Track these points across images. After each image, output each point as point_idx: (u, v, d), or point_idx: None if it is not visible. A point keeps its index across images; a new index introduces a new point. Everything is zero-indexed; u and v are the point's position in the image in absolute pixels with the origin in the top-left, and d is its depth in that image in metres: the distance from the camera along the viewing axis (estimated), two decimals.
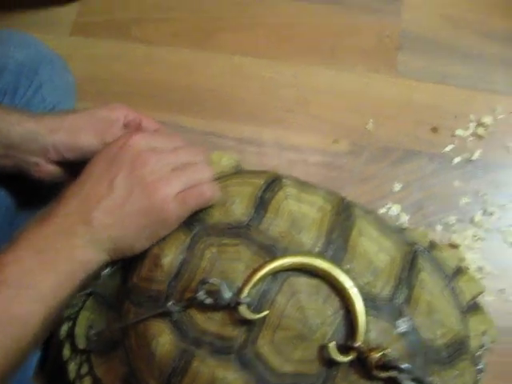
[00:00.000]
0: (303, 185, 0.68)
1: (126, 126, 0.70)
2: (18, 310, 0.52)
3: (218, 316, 0.60)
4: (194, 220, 0.64)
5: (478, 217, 0.90)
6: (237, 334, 0.59)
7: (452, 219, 0.90)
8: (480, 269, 0.87)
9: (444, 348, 0.63)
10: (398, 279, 0.64)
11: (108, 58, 1.03)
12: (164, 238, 0.63)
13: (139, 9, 1.08)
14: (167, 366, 0.61)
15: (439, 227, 0.90)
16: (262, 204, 0.64)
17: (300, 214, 0.64)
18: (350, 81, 1.00)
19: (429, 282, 0.65)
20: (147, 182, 0.58)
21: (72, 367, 0.70)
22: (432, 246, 0.71)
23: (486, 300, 0.85)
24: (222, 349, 0.59)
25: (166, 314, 0.61)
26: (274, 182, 0.67)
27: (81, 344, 0.68)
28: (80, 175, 0.60)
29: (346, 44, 1.04)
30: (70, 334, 0.70)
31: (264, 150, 0.95)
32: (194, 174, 0.62)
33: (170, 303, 0.60)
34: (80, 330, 0.69)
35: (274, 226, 0.63)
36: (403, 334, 0.61)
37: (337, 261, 0.62)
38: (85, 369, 0.69)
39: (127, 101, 0.73)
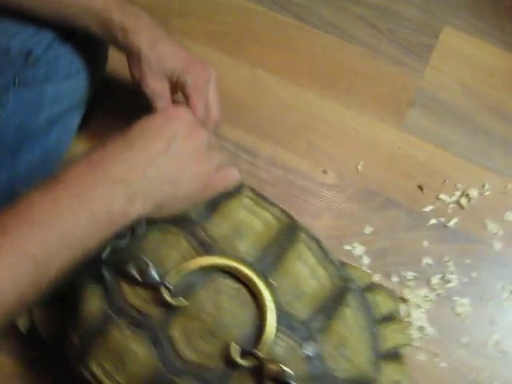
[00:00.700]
0: (260, 199, 0.72)
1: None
2: (45, 251, 0.51)
3: (144, 293, 0.65)
4: None
5: (435, 280, 0.93)
6: (156, 313, 0.64)
7: (410, 275, 0.93)
8: (421, 328, 0.90)
9: (343, 382, 0.67)
10: (319, 307, 0.68)
11: None
12: None
13: (182, 2, 1.14)
14: (89, 325, 0.66)
15: (395, 278, 0.93)
16: (214, 206, 0.69)
17: (245, 223, 0.69)
18: (354, 120, 1.04)
19: (350, 319, 0.69)
20: (200, 151, 0.62)
21: None
22: (370, 288, 0.75)
23: (418, 359, 0.88)
24: (139, 323, 0.65)
25: (100, 281, 0.66)
26: (232, 192, 0.72)
27: None
28: (130, 129, 0.61)
29: (362, 86, 1.08)
30: None
31: (257, 161, 1.00)
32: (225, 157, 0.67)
33: (104, 270, 0.65)
34: None
35: (219, 228, 0.68)
36: (308, 358, 0.65)
37: (265, 274, 0.66)
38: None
39: None
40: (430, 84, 1.08)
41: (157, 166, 0.58)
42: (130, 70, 0.79)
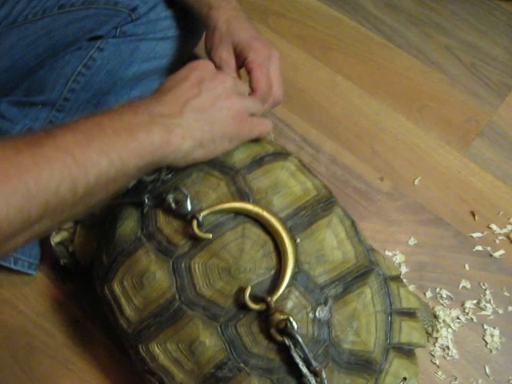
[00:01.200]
0: (306, 169, 0.75)
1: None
2: (84, 155, 0.54)
3: (175, 223, 0.68)
4: None
5: (469, 304, 0.92)
6: (182, 244, 0.68)
7: (445, 293, 0.92)
8: (446, 348, 0.88)
9: (347, 353, 0.67)
10: (339, 278, 0.69)
11: None
12: None
13: (281, 4, 1.22)
14: (120, 245, 0.71)
15: (429, 294, 0.92)
16: (259, 161, 0.73)
17: (285, 183, 0.71)
18: (420, 138, 1.06)
19: (367, 298, 0.70)
20: (229, 91, 0.67)
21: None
22: (395, 279, 0.75)
23: (436, 378, 0.86)
24: (165, 250, 0.68)
25: (139, 205, 0.71)
26: (281, 154, 0.75)
27: None
28: (161, 84, 0.67)
29: (435, 108, 1.10)
30: None
31: (319, 156, 1.04)
32: (257, 104, 0.72)
33: (145, 195, 0.70)
34: None
35: (259, 181, 0.71)
36: (317, 320, 0.66)
37: (292, 232, 0.68)
38: (68, 224, 0.81)
39: None
40: (503, 120, 1.09)
41: (192, 106, 0.63)
42: (205, 41, 0.86)
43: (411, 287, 0.92)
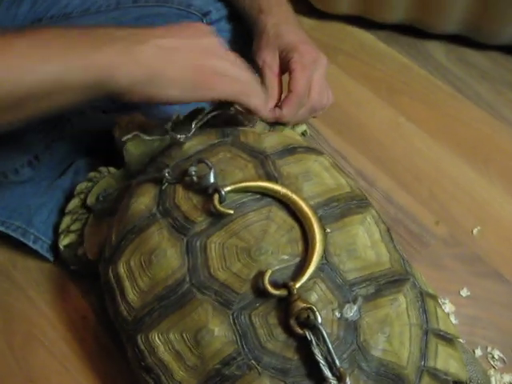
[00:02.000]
0: (338, 167, 0.69)
1: None
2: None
3: (195, 199, 0.63)
4: (230, 131, 0.69)
5: None
6: (200, 221, 0.61)
7: (497, 355, 0.82)
8: None
9: (377, 362, 0.58)
10: (371, 278, 0.61)
11: None
12: (199, 132, 0.69)
13: (351, 45, 1.23)
14: (132, 222, 0.65)
15: (479, 352, 0.82)
16: (291, 150, 0.67)
17: (317, 174, 0.66)
18: (483, 188, 1.00)
19: (402, 307, 0.61)
20: (202, 47, 0.64)
21: (66, 220, 0.77)
22: (432, 297, 0.66)
23: None
24: (180, 228, 0.62)
25: (158, 182, 0.65)
26: (315, 150, 0.70)
27: (89, 201, 0.75)
28: None
29: (501, 161, 1.04)
30: (85, 192, 0.77)
31: (372, 191, 0.98)
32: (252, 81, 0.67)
33: (166, 171, 0.64)
34: (96, 190, 0.76)
35: (289, 167, 0.65)
36: (343, 320, 0.58)
37: (323, 221, 0.61)
38: (76, 225, 0.75)
39: None
40: None
41: (155, 38, 0.61)
42: (253, 45, 0.84)
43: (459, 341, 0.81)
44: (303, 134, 0.93)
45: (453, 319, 0.84)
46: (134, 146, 0.76)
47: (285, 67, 0.80)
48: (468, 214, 0.96)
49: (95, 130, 0.86)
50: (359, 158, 1.02)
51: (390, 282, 0.62)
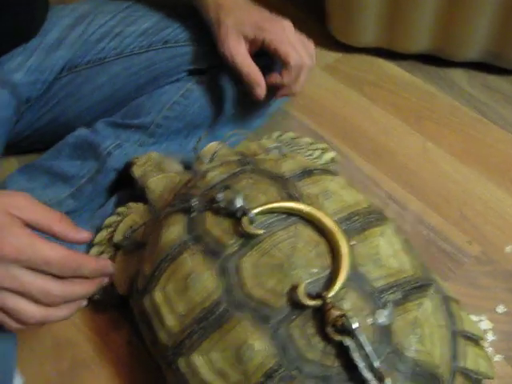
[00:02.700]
0: (353, 185, 0.73)
1: None
2: None
3: (225, 223, 0.66)
4: (248, 159, 0.73)
5: None
6: (230, 244, 0.65)
7: None
8: None
9: (412, 363, 0.60)
10: (396, 285, 0.64)
11: (334, 93, 1.25)
12: (219, 163, 0.73)
13: (377, 76, 1.28)
14: (164, 251, 0.68)
15: None
16: (308, 173, 0.72)
17: (335, 192, 0.70)
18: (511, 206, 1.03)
19: (428, 310, 0.64)
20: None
21: (93, 251, 0.79)
22: (455, 301, 0.70)
23: None
24: (212, 251, 0.65)
25: (187, 211, 0.69)
26: (329, 171, 0.74)
27: (116, 239, 0.78)
28: None
29: None
30: (113, 226, 0.80)
31: (404, 214, 1.01)
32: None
33: (193, 200, 0.68)
34: (122, 227, 0.79)
35: (309, 188, 0.69)
36: (376, 325, 0.61)
37: (347, 235, 0.65)
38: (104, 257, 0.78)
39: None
40: None
41: None
42: (217, 42, 0.88)
43: (498, 357, 0.84)
44: (332, 160, 0.98)
45: (490, 336, 0.86)
46: (155, 184, 0.79)
47: (256, 49, 0.86)
48: (499, 232, 0.99)
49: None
50: (390, 183, 1.06)
51: (415, 287, 0.65)
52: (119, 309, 0.84)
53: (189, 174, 0.80)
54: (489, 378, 0.67)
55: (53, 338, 0.83)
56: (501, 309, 0.89)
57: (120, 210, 0.84)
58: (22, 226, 0.57)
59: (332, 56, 1.33)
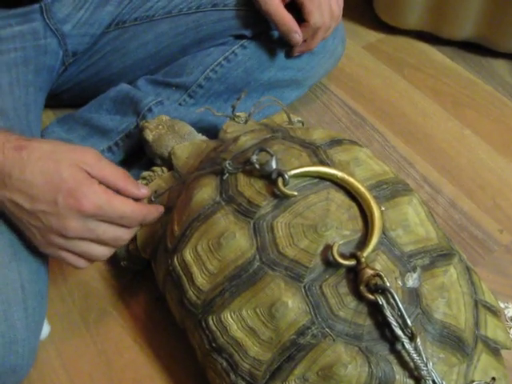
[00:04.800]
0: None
1: None
2: None
3: (258, 184, 0.67)
4: (278, 128, 0.74)
5: None
6: (264, 204, 0.65)
7: None
8: None
9: (440, 325, 0.62)
10: (424, 251, 0.66)
11: (374, 72, 1.26)
12: (251, 130, 0.74)
13: (418, 59, 1.29)
14: (196, 211, 0.68)
15: None
16: (338, 142, 0.73)
17: (365, 161, 0.71)
18: None
19: (453, 277, 0.66)
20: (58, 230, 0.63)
21: None
22: (476, 273, 0.72)
23: None
24: (245, 212, 0.66)
25: (218, 173, 0.70)
26: (356, 142, 0.75)
27: None
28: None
29: None
30: None
31: (437, 197, 1.02)
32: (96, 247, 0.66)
33: (226, 162, 0.69)
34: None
35: (339, 156, 0.71)
36: (406, 288, 0.62)
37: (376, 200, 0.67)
38: None
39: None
40: None
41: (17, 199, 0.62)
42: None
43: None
44: None
45: None
46: (181, 150, 0.80)
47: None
48: None
49: None
50: (425, 166, 1.07)
51: (441, 255, 0.67)
52: (149, 268, 0.83)
53: (215, 142, 0.80)
54: (506, 348, 0.69)
55: (81, 290, 0.84)
56: None
57: (145, 174, 0.84)
58: (97, 182, 0.62)
59: (375, 36, 1.34)
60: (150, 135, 0.86)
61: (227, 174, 0.68)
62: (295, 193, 0.64)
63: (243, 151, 0.71)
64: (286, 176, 0.64)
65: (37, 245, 0.65)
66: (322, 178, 0.67)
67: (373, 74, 1.24)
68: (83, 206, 0.60)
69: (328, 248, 0.62)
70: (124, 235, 0.66)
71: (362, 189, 0.65)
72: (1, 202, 0.62)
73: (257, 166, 0.66)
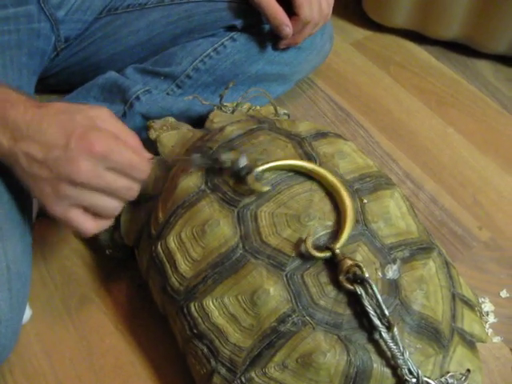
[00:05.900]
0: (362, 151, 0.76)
1: None
2: None
3: None
4: (265, 119, 0.75)
5: None
6: (248, 194, 0.66)
7: None
8: None
9: (417, 316, 0.63)
10: (405, 243, 0.67)
11: (361, 69, 1.27)
12: (237, 120, 0.75)
13: (404, 57, 1.31)
14: (181, 198, 0.69)
15: None
16: (323, 135, 0.74)
17: (349, 154, 0.72)
18: None
19: (432, 270, 0.67)
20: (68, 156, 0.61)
21: None
22: (454, 267, 0.73)
23: None
24: (230, 200, 0.67)
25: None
26: (341, 136, 0.76)
27: None
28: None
29: None
30: None
31: (419, 193, 1.04)
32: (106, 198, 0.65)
33: (197, 155, 0.69)
34: None
35: (324, 148, 0.72)
36: (385, 279, 0.63)
37: (359, 193, 0.68)
38: None
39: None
40: None
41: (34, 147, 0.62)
42: None
43: (497, 338, 0.86)
44: None
45: (492, 318, 0.88)
46: (167, 138, 0.81)
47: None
48: (510, 221, 1.02)
49: None
50: (408, 162, 1.08)
51: (421, 248, 0.68)
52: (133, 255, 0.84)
53: (201, 131, 0.81)
54: (482, 342, 0.70)
55: (64, 275, 0.84)
56: (504, 294, 0.92)
57: None
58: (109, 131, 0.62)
59: (362, 33, 1.35)
60: (154, 134, 0.86)
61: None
62: (266, 188, 0.65)
63: (229, 141, 0.72)
64: (255, 173, 0.65)
65: (46, 203, 0.63)
66: (294, 171, 0.68)
67: (359, 71, 1.25)
68: (94, 147, 0.60)
69: (302, 241, 0.63)
70: (133, 186, 0.65)
71: (335, 180, 0.66)
72: (14, 159, 0.61)
73: (227, 165, 0.67)
